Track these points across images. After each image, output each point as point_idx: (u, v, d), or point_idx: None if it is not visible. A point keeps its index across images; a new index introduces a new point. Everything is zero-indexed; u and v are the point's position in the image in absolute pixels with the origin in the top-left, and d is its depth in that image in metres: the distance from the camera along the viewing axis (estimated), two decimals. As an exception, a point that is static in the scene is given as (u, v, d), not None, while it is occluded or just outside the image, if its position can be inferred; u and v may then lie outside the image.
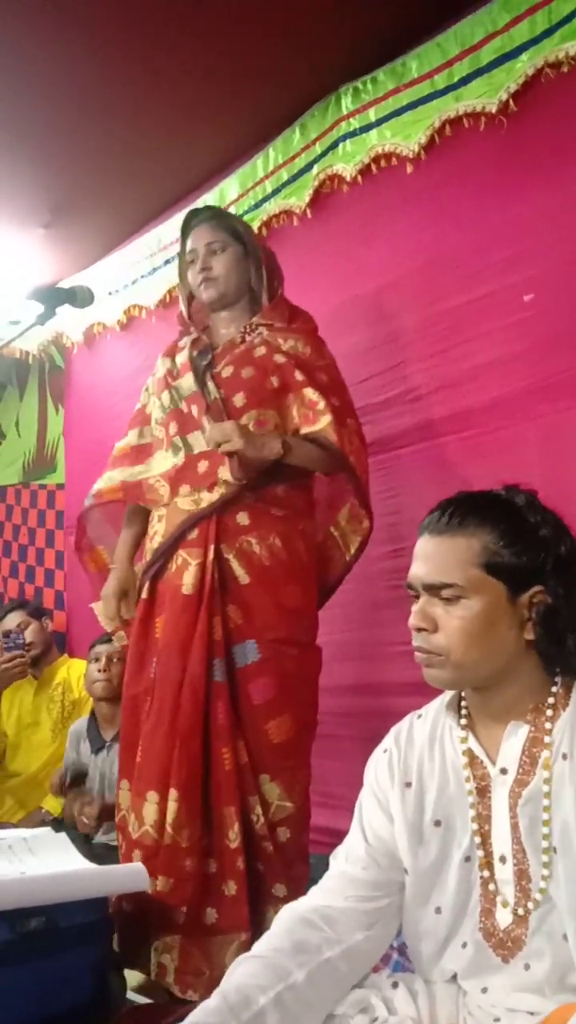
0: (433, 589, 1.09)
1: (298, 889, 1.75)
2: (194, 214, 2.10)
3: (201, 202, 2.88)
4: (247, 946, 1.71)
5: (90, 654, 2.72)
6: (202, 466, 1.92)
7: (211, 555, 1.86)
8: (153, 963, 1.80)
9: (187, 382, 2.00)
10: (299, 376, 1.93)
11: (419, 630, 1.10)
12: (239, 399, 1.94)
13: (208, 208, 2.10)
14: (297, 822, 1.87)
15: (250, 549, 1.88)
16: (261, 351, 1.97)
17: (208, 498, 1.89)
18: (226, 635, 1.86)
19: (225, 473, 1.87)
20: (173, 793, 1.79)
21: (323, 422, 1.89)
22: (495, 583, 1.07)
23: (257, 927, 1.75)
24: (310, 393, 1.92)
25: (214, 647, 1.84)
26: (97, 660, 2.66)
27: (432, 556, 1.10)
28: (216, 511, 1.88)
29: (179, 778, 1.79)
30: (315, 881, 1.25)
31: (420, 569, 1.11)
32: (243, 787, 1.81)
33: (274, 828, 1.84)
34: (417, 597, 1.12)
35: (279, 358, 1.95)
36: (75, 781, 2.64)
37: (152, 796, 1.82)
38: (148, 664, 1.93)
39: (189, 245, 2.06)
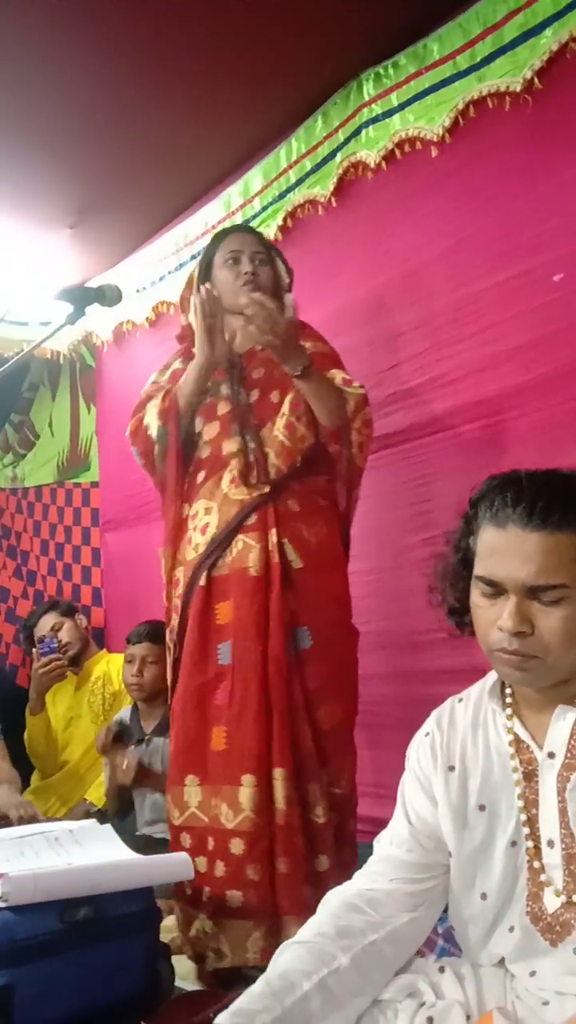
0: (538, 590, 1.02)
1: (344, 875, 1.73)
2: (232, 229, 2.18)
3: (225, 195, 2.89)
4: None
5: (125, 651, 2.71)
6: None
7: (273, 538, 1.89)
8: (254, 949, 1.77)
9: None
10: (327, 364, 2.03)
11: (518, 634, 1.02)
12: (275, 396, 2.02)
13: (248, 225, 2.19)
14: (344, 809, 1.89)
15: (302, 535, 1.93)
16: None
17: (260, 487, 1.93)
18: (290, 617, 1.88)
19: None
20: (278, 772, 1.79)
21: (356, 387, 2.00)
22: None
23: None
24: (339, 374, 2.03)
25: (288, 623, 1.86)
26: (131, 662, 2.65)
27: (534, 555, 1.01)
28: (271, 498, 1.93)
29: (283, 755, 1.79)
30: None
31: (519, 568, 1.01)
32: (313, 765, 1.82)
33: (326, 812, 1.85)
34: (496, 594, 1.05)
35: None
36: (117, 737, 2.64)
37: (249, 780, 1.80)
38: (212, 652, 1.91)
39: (232, 244, 2.08)
